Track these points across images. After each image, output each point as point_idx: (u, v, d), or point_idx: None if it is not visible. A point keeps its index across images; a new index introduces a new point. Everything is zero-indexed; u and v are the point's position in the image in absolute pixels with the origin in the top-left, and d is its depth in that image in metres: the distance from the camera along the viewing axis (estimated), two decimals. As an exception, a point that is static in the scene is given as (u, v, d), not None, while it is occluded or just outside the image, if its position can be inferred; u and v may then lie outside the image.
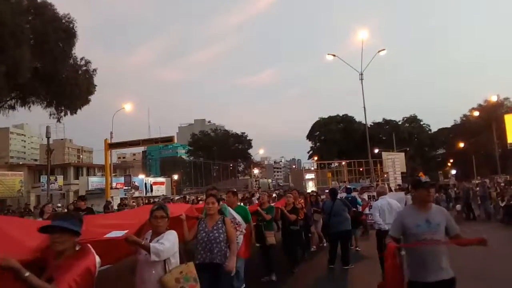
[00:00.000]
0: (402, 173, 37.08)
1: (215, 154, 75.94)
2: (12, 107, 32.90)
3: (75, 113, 33.31)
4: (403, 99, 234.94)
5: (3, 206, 32.19)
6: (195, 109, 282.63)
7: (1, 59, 26.30)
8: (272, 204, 8.73)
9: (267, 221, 7.80)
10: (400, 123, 71.19)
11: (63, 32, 30.91)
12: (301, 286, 7.87)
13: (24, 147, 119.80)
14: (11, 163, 70.24)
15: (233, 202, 6.78)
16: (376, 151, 44.01)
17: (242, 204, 8.90)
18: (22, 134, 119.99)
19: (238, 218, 6.45)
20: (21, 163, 72.26)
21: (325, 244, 11.32)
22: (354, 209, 11.77)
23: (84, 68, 33.14)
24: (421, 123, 72.51)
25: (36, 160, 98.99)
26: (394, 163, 35.69)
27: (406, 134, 66.05)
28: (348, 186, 16.36)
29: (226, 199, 6.89)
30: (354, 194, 13.48)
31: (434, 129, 73.92)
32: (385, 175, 36.13)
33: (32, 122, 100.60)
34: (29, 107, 32.89)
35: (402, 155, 41.34)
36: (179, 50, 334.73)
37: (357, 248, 11.13)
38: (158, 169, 77.84)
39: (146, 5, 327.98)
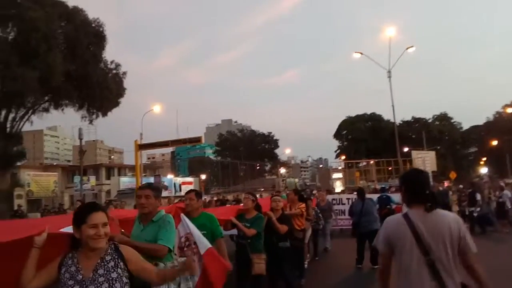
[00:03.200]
0: (433, 172, 36.29)
1: (242, 154, 76.31)
2: (46, 110, 34.09)
3: (106, 115, 34.24)
4: (433, 97, 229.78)
5: (39, 206, 33.40)
6: (222, 109, 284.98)
7: (35, 64, 27.31)
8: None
9: (253, 238, 5.42)
10: (430, 121, 69.60)
11: (94, 36, 31.85)
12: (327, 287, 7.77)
13: (58, 148, 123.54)
14: (46, 164, 72.53)
15: (196, 208, 4.56)
16: (406, 149, 43.21)
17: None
18: (56, 136, 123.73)
19: (196, 235, 4.19)
20: (55, 164, 74.59)
21: (306, 265, 8.71)
22: (388, 206, 11.89)
23: (114, 71, 34.04)
24: (452, 120, 70.67)
25: (69, 161, 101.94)
26: (425, 162, 34.97)
27: (437, 132, 64.52)
28: (383, 186, 16.93)
29: (187, 203, 4.59)
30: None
31: (465, 126, 71.99)
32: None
33: (65, 124, 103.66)
34: (62, 109, 34.06)
35: (432, 153, 40.42)
36: (206, 51, 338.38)
37: None
38: (186, 169, 78.75)
39: (173, 7, 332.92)
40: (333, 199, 14.54)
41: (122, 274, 2.40)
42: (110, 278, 2.35)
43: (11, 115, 31.31)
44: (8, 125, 31.24)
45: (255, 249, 5.42)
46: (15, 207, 27.78)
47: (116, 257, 2.42)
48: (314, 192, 18.28)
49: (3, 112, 30.76)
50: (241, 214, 5.72)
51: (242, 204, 6.23)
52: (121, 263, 2.41)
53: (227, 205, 14.21)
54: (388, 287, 2.65)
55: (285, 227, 6.03)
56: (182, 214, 4.39)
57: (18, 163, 36.49)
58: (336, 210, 13.95)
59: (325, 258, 10.51)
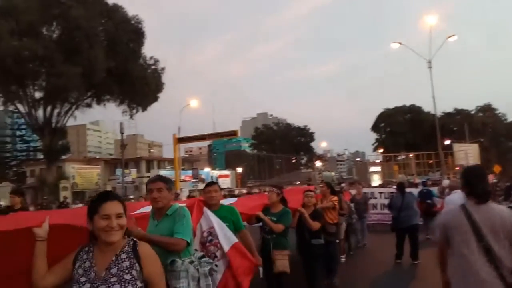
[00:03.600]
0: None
1: (277, 147, 76.37)
2: (89, 105, 35.39)
3: (146, 110, 35.09)
4: (476, 87, 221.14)
5: (83, 197, 34.77)
6: (257, 103, 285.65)
7: (77, 61, 28.34)
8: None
9: (278, 234, 5.08)
10: (473, 112, 67.07)
11: (133, 33, 32.63)
12: (367, 283, 7.60)
13: (100, 142, 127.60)
14: (89, 157, 75.26)
15: (217, 202, 4.25)
16: (447, 142, 41.89)
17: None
18: (98, 130, 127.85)
19: (220, 229, 3.98)
20: (97, 157, 77.25)
21: (343, 259, 8.72)
22: (429, 201, 11.66)
23: (153, 67, 34.78)
24: (496, 112, 67.80)
25: (111, 154, 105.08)
26: (467, 155, 33.86)
27: (480, 124, 62.07)
28: (424, 179, 16.62)
29: (212, 195, 4.22)
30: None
31: (511, 118, 68.86)
32: (457, 168, 34.41)
33: (106, 118, 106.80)
34: (104, 104, 35.21)
35: (475, 146, 39.03)
36: (244, 45, 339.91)
37: (428, 236, 10.76)
38: (223, 162, 79.68)
39: (212, 1, 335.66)
40: (364, 193, 14.09)
41: (137, 277, 2.06)
42: (123, 280, 2.04)
43: (56, 111, 32.67)
44: (53, 120, 32.62)
45: (278, 244, 5.09)
46: (61, 199, 29.07)
47: (132, 256, 2.10)
48: (343, 185, 17.64)
49: (49, 108, 32.14)
50: (266, 207, 5.37)
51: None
52: (137, 265, 2.08)
53: (251, 195, 13.85)
54: (446, 269, 2.98)
55: (318, 224, 5.68)
56: (204, 208, 4.09)
57: (63, 157, 38.10)
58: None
59: (361, 254, 10.24)
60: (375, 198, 14.22)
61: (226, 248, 3.86)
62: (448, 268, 2.93)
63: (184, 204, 3.86)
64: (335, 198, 7.43)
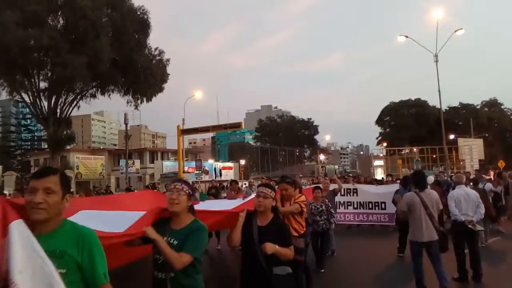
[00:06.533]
0: (480, 160, 35.01)
1: (281, 139, 76.35)
2: (93, 96, 35.35)
3: (150, 100, 35.03)
4: (482, 82, 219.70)
5: (87, 187, 34.95)
6: (261, 95, 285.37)
7: (83, 50, 28.29)
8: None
9: (181, 271, 2.63)
10: (478, 107, 66.74)
11: (138, 23, 32.52)
12: (368, 275, 7.60)
13: (104, 132, 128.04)
14: (93, 147, 75.56)
15: (55, 214, 1.93)
16: (452, 137, 41.76)
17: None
18: (103, 121, 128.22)
19: (29, 275, 1.67)
20: (101, 147, 77.58)
21: (322, 270, 7.63)
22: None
23: (158, 57, 34.67)
24: (502, 107, 67.42)
25: (115, 145, 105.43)
26: (471, 150, 33.79)
27: (485, 119, 61.81)
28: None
29: (31, 198, 1.88)
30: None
31: (517, 112, 68.35)
32: (461, 163, 34.35)
33: (111, 109, 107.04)
34: (109, 95, 35.16)
35: (480, 141, 38.91)
36: (248, 37, 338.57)
37: (482, 244, 8.85)
38: (226, 154, 79.77)
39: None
40: (332, 190, 10.68)
41: None
42: None
43: (61, 101, 32.70)
44: (58, 110, 32.67)
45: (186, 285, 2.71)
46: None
47: None
48: (304, 181, 14.72)
49: (54, 98, 32.17)
50: (163, 219, 2.89)
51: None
52: None
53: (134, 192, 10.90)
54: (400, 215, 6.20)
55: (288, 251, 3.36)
56: (16, 222, 1.82)
57: (68, 147, 38.20)
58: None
59: (332, 265, 8.33)
60: (342, 195, 12.62)
61: None
62: (410, 227, 5.72)
63: None
64: (302, 198, 5.34)
